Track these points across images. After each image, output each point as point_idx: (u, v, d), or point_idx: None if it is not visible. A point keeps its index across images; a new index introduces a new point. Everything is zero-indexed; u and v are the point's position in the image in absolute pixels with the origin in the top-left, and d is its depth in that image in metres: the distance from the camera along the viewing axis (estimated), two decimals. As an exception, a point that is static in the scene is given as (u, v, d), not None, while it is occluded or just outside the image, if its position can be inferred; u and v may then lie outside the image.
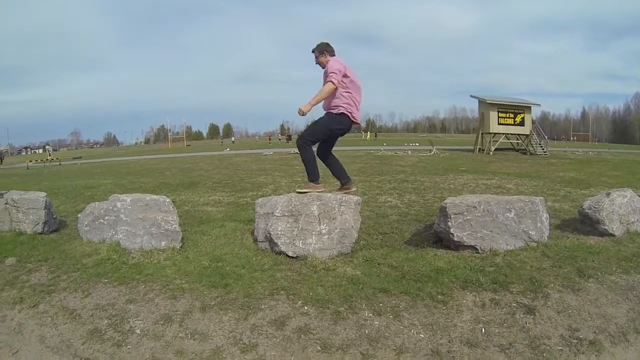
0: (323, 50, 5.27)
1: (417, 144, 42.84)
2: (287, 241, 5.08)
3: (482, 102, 33.22)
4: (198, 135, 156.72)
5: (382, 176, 13.84)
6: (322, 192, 5.32)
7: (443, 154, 27.82)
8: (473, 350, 3.08)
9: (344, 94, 5.07)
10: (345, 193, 5.42)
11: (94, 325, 3.92)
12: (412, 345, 3.12)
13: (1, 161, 50.70)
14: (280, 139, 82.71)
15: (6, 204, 7.76)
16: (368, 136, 76.20)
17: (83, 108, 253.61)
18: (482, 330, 3.32)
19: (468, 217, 4.77)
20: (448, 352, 3.05)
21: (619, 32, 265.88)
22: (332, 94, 5.02)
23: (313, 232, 4.99)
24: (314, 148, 5.45)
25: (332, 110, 5.13)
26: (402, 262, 4.53)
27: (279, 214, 5.17)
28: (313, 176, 5.36)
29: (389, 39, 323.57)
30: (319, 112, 5.42)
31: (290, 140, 64.82)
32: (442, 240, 5.10)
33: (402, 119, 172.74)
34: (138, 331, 3.75)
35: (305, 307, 3.76)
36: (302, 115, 4.99)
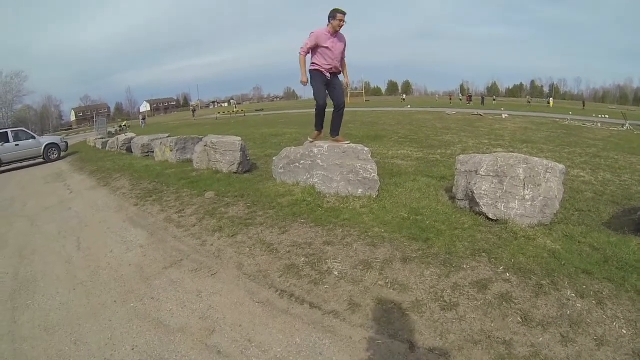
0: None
1: (607, 116, 37.33)
2: (490, 202, 4.93)
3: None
4: (377, 91, 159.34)
5: (572, 148, 13.13)
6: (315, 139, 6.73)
7: (637, 130, 23.70)
8: (678, 364, 2.69)
9: (314, 57, 6.23)
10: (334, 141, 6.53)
11: (291, 261, 4.29)
12: (614, 340, 2.93)
13: (194, 113, 60.69)
14: (461, 99, 79.61)
15: (205, 146, 9.10)
16: (551, 103, 69.00)
17: (264, 66, 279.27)
18: (690, 344, 2.87)
19: (685, 208, 4.01)
20: (651, 357, 2.76)
21: None
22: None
23: (517, 197, 4.83)
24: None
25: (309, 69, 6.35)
26: (604, 245, 4.23)
27: (483, 173, 5.03)
28: (315, 126, 6.74)
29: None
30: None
31: (471, 101, 62.70)
32: (646, 230, 4.63)
33: (590, 85, 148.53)
34: (336, 273, 3.97)
35: (507, 274, 3.72)
36: (304, 84, 6.22)
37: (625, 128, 24.74)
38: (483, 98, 72.00)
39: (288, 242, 4.70)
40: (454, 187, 5.64)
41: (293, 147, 6.79)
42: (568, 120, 29.53)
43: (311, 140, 6.73)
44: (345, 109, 6.54)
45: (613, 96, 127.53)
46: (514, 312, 3.22)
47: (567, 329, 3.01)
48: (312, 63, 6.19)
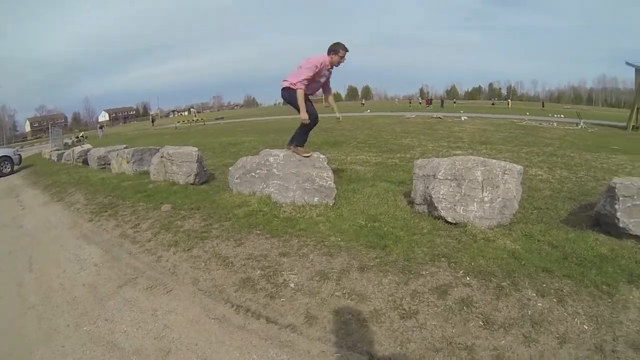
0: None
1: (562, 116, 39.37)
2: (448, 206, 4.96)
3: (639, 72, 28.55)
4: (337, 97, 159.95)
5: (530, 147, 13.47)
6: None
7: (591, 128, 25.16)
8: (639, 355, 2.75)
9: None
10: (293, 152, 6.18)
11: (247, 275, 4.18)
12: (575, 336, 2.98)
13: (153, 122, 60.21)
14: (420, 103, 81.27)
15: (161, 157, 8.88)
16: (510, 104, 71.57)
17: (224, 74, 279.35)
18: (650, 334, 2.95)
19: (638, 202, 4.25)
20: (612, 351, 2.83)
21: None
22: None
23: (475, 199, 4.88)
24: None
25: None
26: (563, 242, 4.33)
27: (441, 177, 5.05)
28: (297, 141, 6.22)
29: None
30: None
31: (431, 104, 63.89)
32: (602, 225, 4.80)
33: (545, 87, 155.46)
34: (292, 285, 3.89)
35: (467, 278, 3.73)
36: (306, 121, 5.83)
37: (579, 127, 25.70)
38: (442, 101, 73.63)
39: (244, 254, 4.60)
40: (412, 192, 5.64)
41: (249, 157, 6.68)
42: (525, 120, 30.43)
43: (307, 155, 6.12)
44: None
45: (568, 96, 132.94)
46: (475, 316, 3.22)
47: (529, 329, 3.03)
48: (292, 83, 5.70)
